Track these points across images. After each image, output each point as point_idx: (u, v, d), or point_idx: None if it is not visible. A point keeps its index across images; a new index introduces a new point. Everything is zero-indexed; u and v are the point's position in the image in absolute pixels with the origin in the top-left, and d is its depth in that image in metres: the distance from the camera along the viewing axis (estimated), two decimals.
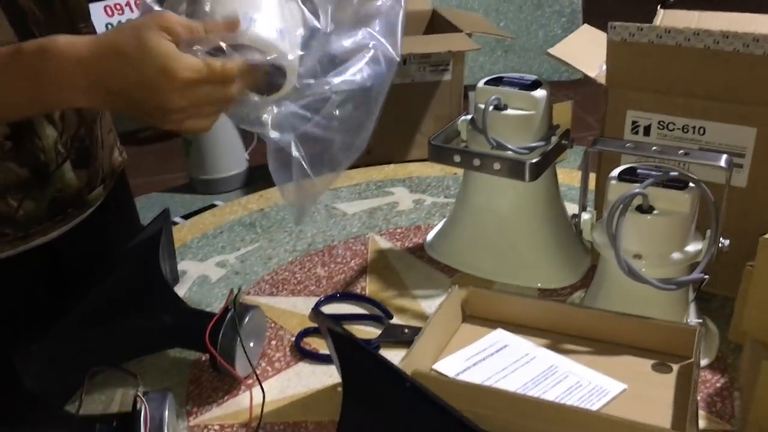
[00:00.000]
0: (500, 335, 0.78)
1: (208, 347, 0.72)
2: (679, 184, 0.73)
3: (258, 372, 0.78)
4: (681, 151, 0.75)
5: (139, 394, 0.64)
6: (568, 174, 1.14)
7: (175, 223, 1.10)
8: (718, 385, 0.75)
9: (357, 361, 0.68)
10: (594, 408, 0.67)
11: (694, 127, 0.80)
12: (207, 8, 0.65)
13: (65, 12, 0.79)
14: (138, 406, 0.64)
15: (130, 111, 0.63)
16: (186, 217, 1.14)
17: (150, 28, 0.60)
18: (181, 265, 0.96)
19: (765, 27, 0.78)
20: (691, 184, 0.73)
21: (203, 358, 0.80)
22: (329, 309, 0.88)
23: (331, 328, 0.70)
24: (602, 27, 0.96)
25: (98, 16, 1.44)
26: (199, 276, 0.95)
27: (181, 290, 0.91)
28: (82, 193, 0.85)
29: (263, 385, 0.75)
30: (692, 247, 0.75)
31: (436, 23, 1.57)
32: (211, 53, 0.63)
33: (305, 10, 0.69)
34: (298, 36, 0.68)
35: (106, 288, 0.77)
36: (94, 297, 0.75)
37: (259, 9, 0.66)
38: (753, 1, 1.37)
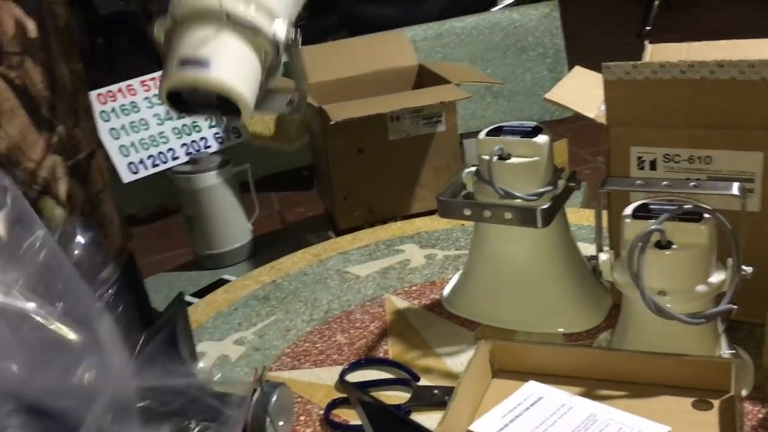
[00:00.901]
0: (533, 387, 0.76)
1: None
2: (694, 216, 0.73)
3: None
4: (692, 184, 0.75)
5: None
6: (574, 214, 1.14)
7: (189, 303, 1.09)
8: (760, 415, 0.74)
9: (392, 430, 0.67)
10: None
11: (699, 157, 0.80)
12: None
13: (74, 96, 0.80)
14: None
15: None
16: (196, 294, 1.13)
17: None
18: (199, 347, 0.95)
19: (755, 52, 0.79)
20: (706, 215, 0.73)
21: None
22: (355, 377, 0.86)
23: (361, 398, 0.68)
24: (586, 64, 0.98)
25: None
26: (219, 356, 0.94)
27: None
28: (95, 270, 0.84)
29: None
30: (715, 278, 0.74)
31: (424, 77, 1.59)
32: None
33: None
34: None
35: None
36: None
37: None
38: (722, 27, 1.40)
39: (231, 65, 0.69)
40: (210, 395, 0.79)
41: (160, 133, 1.45)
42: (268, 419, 0.71)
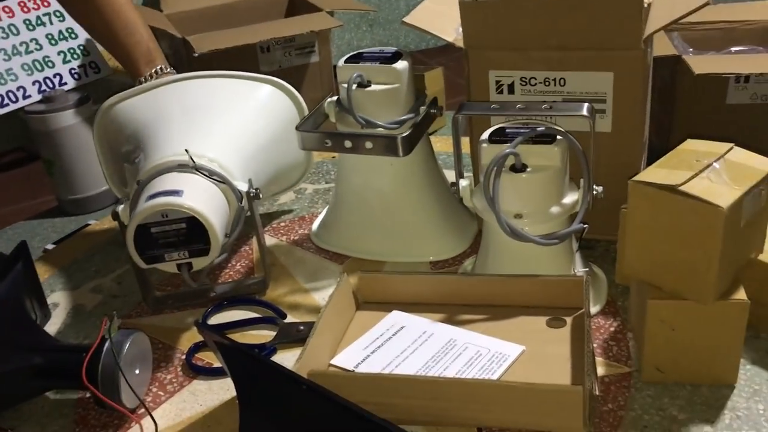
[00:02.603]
0: (396, 317, 0.76)
1: (86, 384, 0.66)
2: (547, 138, 0.73)
3: (149, 398, 0.73)
4: (545, 106, 0.74)
5: None
6: (447, 141, 1.14)
7: (47, 250, 1.02)
8: (612, 329, 0.77)
9: (249, 370, 0.65)
10: (495, 375, 0.66)
11: (554, 79, 0.80)
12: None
13: None
14: None
15: None
16: (59, 243, 1.06)
17: None
18: (52, 298, 0.89)
19: None
20: (558, 137, 0.73)
21: (87, 395, 0.74)
22: (218, 319, 0.84)
23: (217, 340, 0.66)
24: None
25: None
26: (74, 306, 0.88)
27: (53, 325, 0.85)
28: None
29: (157, 411, 0.71)
30: (569, 199, 0.75)
31: (296, 6, 1.52)
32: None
33: None
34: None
35: None
36: None
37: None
38: None
39: (201, 197, 0.75)
40: (58, 349, 0.74)
41: (8, 70, 1.33)
42: (119, 370, 0.67)
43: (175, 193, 0.73)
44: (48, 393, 0.75)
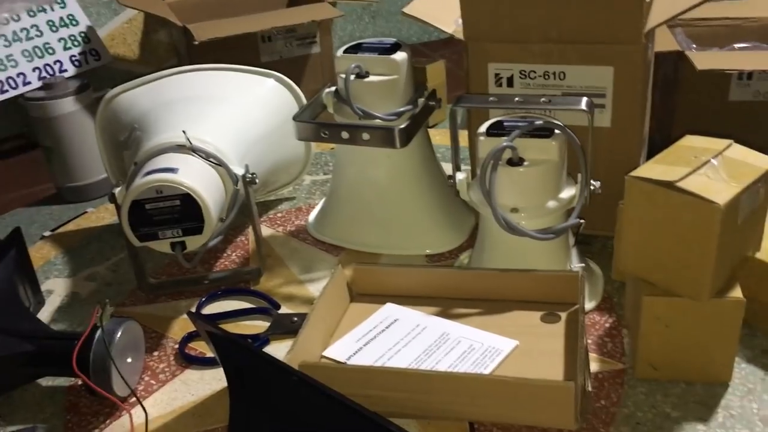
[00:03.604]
0: (390, 310, 0.76)
1: (76, 372, 0.66)
2: (545, 132, 0.73)
3: (141, 387, 0.73)
4: (543, 99, 0.74)
5: None
6: (446, 134, 1.13)
7: (43, 237, 1.02)
8: (607, 325, 0.76)
9: (241, 360, 0.65)
10: (488, 369, 0.66)
11: (554, 73, 0.80)
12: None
13: None
14: None
15: None
16: (56, 230, 1.06)
17: None
18: (46, 285, 0.89)
19: None
20: (556, 131, 0.73)
21: (78, 383, 0.74)
22: (212, 308, 0.83)
23: (210, 330, 0.65)
24: None
25: None
26: (68, 294, 0.88)
27: (47, 312, 0.84)
28: None
29: (149, 399, 0.71)
30: (566, 194, 0.74)
31: None
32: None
33: None
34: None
35: None
36: None
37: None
38: None
39: (196, 175, 0.75)
40: (50, 337, 0.74)
41: (8, 56, 1.32)
42: (110, 358, 0.67)
43: (171, 170, 0.73)
44: (40, 380, 0.74)
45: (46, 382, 0.74)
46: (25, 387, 0.74)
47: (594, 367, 0.70)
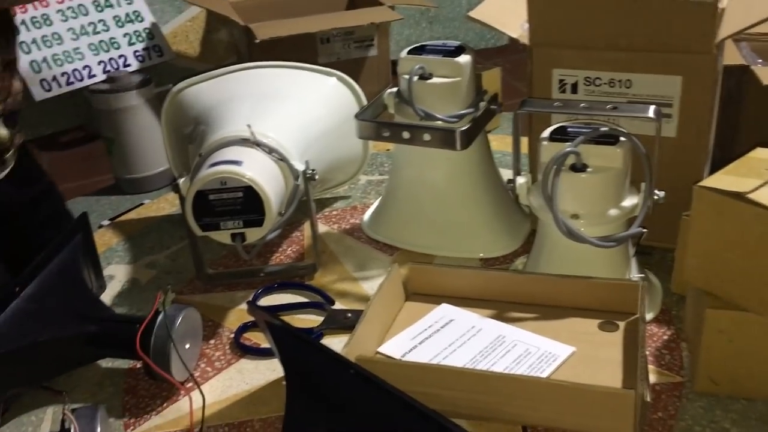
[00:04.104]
0: (445, 310, 0.76)
1: (139, 354, 0.68)
2: (610, 139, 0.72)
3: (197, 373, 0.74)
4: (609, 106, 0.73)
5: (66, 411, 0.60)
6: (502, 140, 1.13)
7: (102, 226, 1.04)
8: (665, 337, 0.75)
9: (298, 352, 0.65)
10: (544, 374, 0.65)
11: (620, 81, 0.79)
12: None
13: None
14: (66, 425, 0.59)
15: None
16: (114, 219, 1.08)
17: None
18: (108, 270, 0.91)
19: None
20: (622, 139, 0.72)
21: (138, 365, 0.75)
22: (267, 301, 0.84)
23: (268, 320, 0.66)
24: None
25: None
26: (129, 280, 0.90)
27: (108, 297, 0.87)
28: (4, 152, 0.81)
29: (204, 386, 0.72)
30: (628, 202, 0.74)
31: (357, 0, 1.53)
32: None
33: None
34: None
35: (24, 302, 0.71)
36: (10, 313, 0.70)
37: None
38: None
39: (259, 168, 0.76)
40: (114, 319, 0.76)
41: (76, 48, 1.36)
42: (171, 342, 0.69)
43: (236, 162, 0.75)
44: (100, 361, 0.76)
45: (105, 363, 0.76)
46: (86, 367, 0.76)
47: (651, 378, 0.70)
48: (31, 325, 0.70)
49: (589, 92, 0.81)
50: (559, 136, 0.74)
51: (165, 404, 0.71)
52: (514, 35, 0.83)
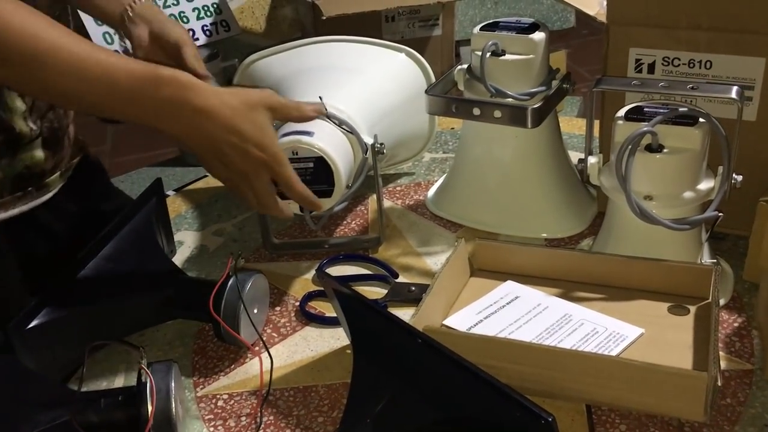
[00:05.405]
0: (511, 287, 0.76)
1: (212, 315, 0.70)
2: (688, 120, 0.71)
3: (264, 338, 0.76)
4: (689, 86, 0.72)
5: (143, 365, 0.62)
6: (567, 122, 1.11)
7: (168, 196, 1.07)
8: (736, 324, 0.74)
9: (366, 320, 0.66)
10: (613, 353, 0.65)
11: (700, 62, 0.77)
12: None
13: None
14: (143, 378, 0.61)
15: (202, 151, 0.70)
16: (178, 190, 1.11)
17: (259, 110, 0.68)
18: (178, 236, 0.93)
19: None
20: (701, 120, 0.71)
21: (206, 328, 0.77)
22: (332, 271, 0.86)
23: (338, 288, 0.67)
24: None
25: None
26: (197, 246, 0.92)
27: (177, 261, 0.89)
28: (45, 174, 0.83)
29: (271, 350, 0.73)
30: (704, 185, 0.72)
31: None
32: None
33: None
34: None
35: (102, 261, 0.74)
36: (90, 272, 0.73)
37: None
38: None
39: (330, 140, 0.78)
40: (186, 281, 0.78)
41: None
42: (242, 305, 0.70)
43: (307, 133, 0.76)
44: (169, 323, 0.79)
45: (176, 324, 0.79)
46: (157, 327, 0.78)
47: (721, 365, 0.68)
48: (110, 284, 0.73)
49: (667, 72, 0.79)
50: (635, 115, 0.73)
51: (233, 366, 0.73)
52: (592, 12, 0.82)
